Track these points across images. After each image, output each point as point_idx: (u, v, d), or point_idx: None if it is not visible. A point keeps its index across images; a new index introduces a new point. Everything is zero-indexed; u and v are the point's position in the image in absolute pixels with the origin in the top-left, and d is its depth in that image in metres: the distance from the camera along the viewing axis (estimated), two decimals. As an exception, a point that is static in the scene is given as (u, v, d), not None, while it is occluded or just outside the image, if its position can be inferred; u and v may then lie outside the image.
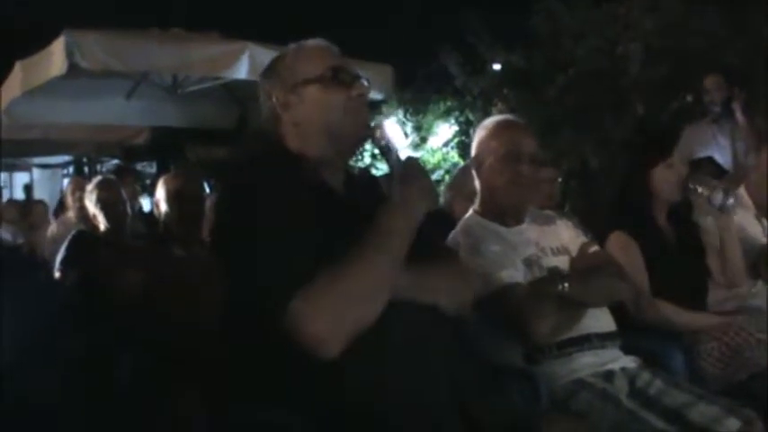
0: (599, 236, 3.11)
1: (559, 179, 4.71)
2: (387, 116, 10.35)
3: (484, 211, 2.85)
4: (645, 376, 2.62)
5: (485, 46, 9.67)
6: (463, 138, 10.31)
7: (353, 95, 2.06)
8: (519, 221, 2.82)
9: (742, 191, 3.73)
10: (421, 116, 11.19)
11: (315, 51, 2.12)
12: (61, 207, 7.33)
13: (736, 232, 3.36)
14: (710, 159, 5.16)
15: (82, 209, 5.01)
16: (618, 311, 2.81)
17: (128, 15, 8.92)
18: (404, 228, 1.87)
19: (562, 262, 2.78)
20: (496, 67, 9.90)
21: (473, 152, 2.87)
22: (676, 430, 2.39)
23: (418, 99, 11.16)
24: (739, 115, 6.15)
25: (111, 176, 5.36)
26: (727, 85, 6.29)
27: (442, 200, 4.63)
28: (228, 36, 6.75)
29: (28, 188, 14.02)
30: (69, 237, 4.59)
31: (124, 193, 4.64)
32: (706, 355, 3.08)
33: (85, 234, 4.59)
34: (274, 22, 9.58)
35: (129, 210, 4.64)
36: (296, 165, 2.01)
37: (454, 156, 10.74)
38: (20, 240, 7.34)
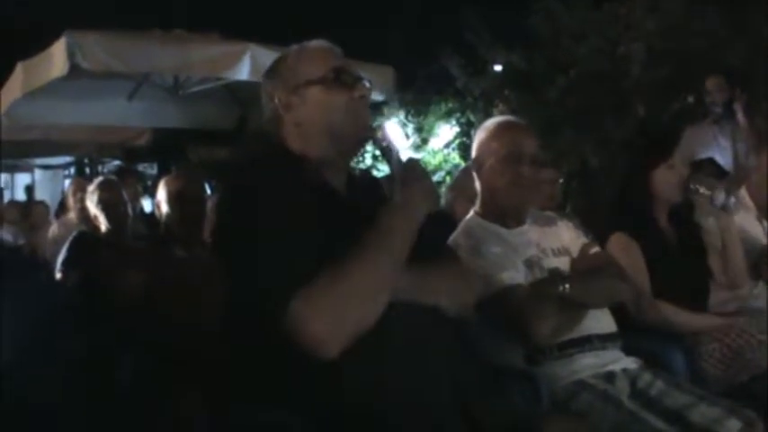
0: (600, 237, 3.11)
1: (560, 180, 4.71)
2: (388, 117, 10.36)
3: (485, 213, 2.84)
4: (646, 377, 2.62)
5: (485, 46, 9.67)
6: (464, 139, 10.33)
7: (355, 97, 2.06)
8: (520, 223, 2.82)
9: (743, 192, 3.73)
10: (422, 117, 11.21)
11: (317, 52, 2.12)
12: (62, 208, 7.32)
13: (738, 233, 3.36)
14: (711, 160, 5.15)
15: (83, 210, 5.01)
16: (619, 312, 2.81)
17: (128, 16, 8.93)
18: (405, 229, 1.87)
19: (563, 263, 2.78)
20: (497, 68, 9.90)
21: (473, 153, 2.87)
22: (677, 431, 2.39)
23: (419, 100, 11.17)
24: (740, 116, 6.15)
25: (113, 177, 5.36)
26: (728, 87, 6.29)
27: (443, 201, 4.63)
28: (229, 37, 6.75)
29: (29, 189, 14.03)
30: (70, 238, 4.60)
31: (125, 194, 4.64)
32: (707, 357, 3.08)
33: (86, 235, 4.59)
34: (275, 23, 9.59)
35: (130, 211, 4.64)
36: (297, 165, 2.01)
37: (455, 157, 10.75)
38: (21, 241, 7.36)
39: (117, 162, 11.07)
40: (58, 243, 5.40)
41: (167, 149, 10.79)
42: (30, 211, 8.60)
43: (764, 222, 3.69)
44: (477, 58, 9.91)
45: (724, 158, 5.90)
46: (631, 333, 2.82)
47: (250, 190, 1.89)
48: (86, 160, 12.08)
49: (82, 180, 6.93)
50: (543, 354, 2.59)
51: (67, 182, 10.84)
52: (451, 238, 2.79)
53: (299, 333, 1.70)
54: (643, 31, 8.29)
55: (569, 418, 2.42)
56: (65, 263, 4.38)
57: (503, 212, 2.80)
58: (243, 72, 6.26)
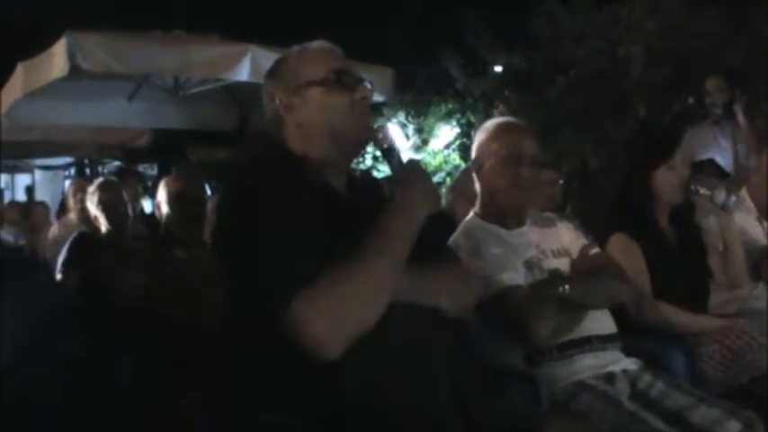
0: (600, 237, 3.11)
1: (560, 181, 4.71)
2: (388, 118, 10.36)
3: (484, 214, 2.84)
4: (646, 378, 2.62)
5: (485, 48, 9.67)
6: (464, 140, 10.32)
7: (356, 99, 2.06)
8: (519, 224, 2.82)
9: (743, 193, 3.73)
10: (422, 118, 11.19)
11: (318, 53, 2.12)
12: (63, 209, 7.32)
13: (739, 232, 3.36)
14: (712, 161, 5.15)
15: (83, 210, 5.01)
16: (619, 313, 2.81)
17: (128, 16, 8.94)
18: (406, 230, 1.87)
19: (563, 264, 2.78)
20: (497, 69, 9.90)
21: (473, 154, 2.87)
22: (677, 432, 2.39)
23: (419, 101, 11.16)
24: (740, 117, 6.15)
25: (113, 178, 5.36)
26: (728, 88, 6.29)
27: (443, 202, 4.63)
28: (230, 38, 6.76)
29: (30, 190, 14.03)
30: (70, 238, 4.60)
31: (125, 195, 4.64)
32: (707, 358, 3.07)
33: (87, 236, 4.60)
34: (275, 24, 9.59)
35: (130, 211, 4.64)
36: (299, 166, 2.01)
37: (455, 158, 10.75)
38: (21, 242, 7.36)
39: (117, 163, 11.06)
40: (58, 244, 5.41)
41: (167, 150, 10.79)
42: (30, 211, 8.60)
43: (765, 223, 3.69)
44: (477, 59, 9.91)
45: (724, 159, 5.90)
46: (631, 334, 2.82)
47: (251, 190, 1.89)
48: (86, 161, 12.08)
49: (82, 181, 6.92)
50: (543, 355, 2.59)
51: (68, 182, 10.85)
52: (451, 239, 2.79)
53: (300, 334, 1.70)
54: (643, 33, 8.29)
55: (569, 420, 2.42)
56: (65, 263, 4.38)
57: (502, 213, 2.80)
58: (243, 73, 6.26)
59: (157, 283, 3.56)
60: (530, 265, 2.71)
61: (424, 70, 10.98)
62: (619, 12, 8.60)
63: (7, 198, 12.22)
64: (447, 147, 11.05)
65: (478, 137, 2.87)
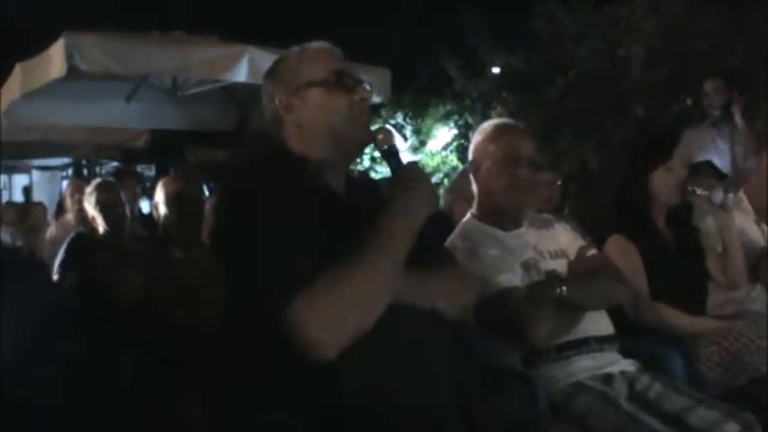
0: (598, 238, 3.11)
1: (558, 182, 4.70)
2: (386, 119, 10.36)
3: (482, 215, 2.84)
4: (644, 380, 2.62)
5: (485, 48, 9.68)
6: (462, 141, 10.32)
7: (356, 100, 2.06)
8: (517, 225, 2.82)
9: (741, 195, 3.73)
10: (420, 119, 11.20)
11: (318, 54, 2.12)
12: (60, 209, 7.32)
13: (738, 235, 3.36)
14: (709, 163, 5.14)
15: (81, 211, 5.01)
16: (617, 315, 2.81)
17: (128, 17, 8.94)
18: (405, 232, 1.88)
19: (560, 265, 2.78)
20: (495, 70, 9.91)
21: (470, 156, 2.87)
22: (675, 434, 2.40)
23: (417, 102, 11.17)
24: (738, 119, 6.16)
25: (111, 179, 5.36)
26: (726, 89, 6.29)
27: (441, 203, 4.63)
28: (228, 39, 6.76)
29: (27, 190, 14.01)
30: (68, 239, 4.60)
31: (123, 196, 4.64)
32: (705, 360, 3.08)
33: (84, 236, 4.59)
34: (274, 24, 9.59)
35: (127, 212, 4.64)
36: (298, 167, 2.01)
37: (453, 159, 10.76)
38: (19, 242, 7.35)
39: (115, 163, 11.06)
40: (55, 244, 5.40)
41: (165, 151, 10.79)
42: (27, 212, 8.59)
43: (763, 226, 3.70)
44: (475, 60, 9.91)
45: (722, 161, 5.90)
46: (629, 335, 2.82)
47: (250, 191, 1.89)
48: (84, 162, 12.07)
49: (80, 181, 6.93)
50: (540, 356, 2.60)
51: (65, 183, 10.84)
52: (448, 240, 2.79)
53: (299, 334, 1.70)
54: (643, 33, 8.30)
55: (568, 425, 2.42)
56: (63, 264, 4.38)
57: (500, 215, 2.81)
58: (241, 74, 6.27)
59: (156, 284, 3.56)
60: (527, 266, 2.71)
61: (423, 70, 10.98)
62: (619, 12, 8.61)
63: (5, 198, 12.21)
64: (445, 148, 11.06)
65: (476, 138, 2.87)
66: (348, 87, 2.06)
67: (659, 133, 7.22)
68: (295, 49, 2.15)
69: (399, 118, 11.17)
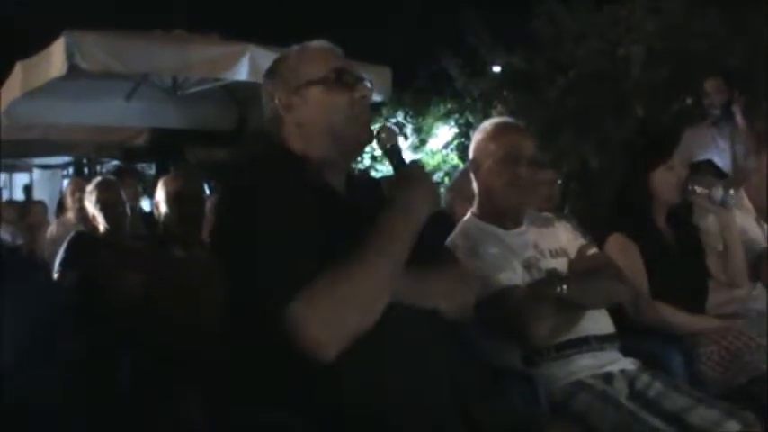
0: (598, 238, 3.11)
1: (559, 181, 4.71)
2: (387, 118, 10.36)
3: (482, 214, 2.85)
4: (644, 378, 2.62)
5: (485, 47, 9.68)
6: (463, 140, 10.32)
7: (356, 97, 2.06)
8: (517, 224, 2.82)
9: (742, 194, 3.73)
10: (420, 118, 11.20)
11: (318, 53, 2.12)
12: (61, 208, 7.32)
13: (739, 233, 3.36)
14: (710, 162, 5.14)
15: (81, 210, 5.01)
16: (617, 313, 2.81)
17: (128, 16, 8.93)
18: (406, 231, 1.87)
19: (561, 264, 2.78)
20: (496, 69, 9.91)
21: (471, 155, 2.87)
22: (676, 432, 2.39)
23: (418, 101, 11.17)
24: (739, 118, 6.15)
25: (111, 177, 5.36)
26: (727, 89, 6.29)
27: (442, 202, 4.62)
28: (229, 38, 6.75)
29: (28, 189, 14.01)
30: (68, 238, 4.60)
31: (124, 195, 4.63)
32: (705, 359, 3.08)
33: (85, 235, 4.59)
34: (275, 24, 9.59)
35: (128, 211, 4.63)
36: (298, 166, 2.01)
37: (454, 158, 10.76)
38: (19, 241, 7.34)
39: (115, 162, 11.06)
40: (56, 243, 5.40)
41: (165, 150, 10.79)
42: (28, 210, 8.58)
43: (764, 225, 3.69)
44: (476, 59, 9.91)
45: (722, 160, 5.90)
46: (630, 334, 2.82)
47: (250, 190, 1.89)
48: (85, 160, 12.08)
49: (80, 180, 6.93)
50: (541, 355, 2.60)
51: (66, 182, 10.84)
52: (449, 239, 2.79)
53: (298, 334, 1.70)
54: (643, 33, 8.30)
55: (568, 424, 2.42)
56: (63, 263, 4.37)
57: (500, 214, 2.81)
58: (241, 73, 6.27)
59: (156, 283, 3.56)
60: (528, 265, 2.71)
61: (423, 70, 10.98)
62: (619, 12, 8.61)
63: (5, 197, 12.20)
64: (445, 147, 11.06)
65: (476, 137, 2.87)
66: (348, 85, 2.06)
67: (659, 133, 7.23)
68: (295, 48, 2.15)
69: (400, 117, 11.17)
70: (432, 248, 2.05)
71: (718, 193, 3.24)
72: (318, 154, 2.04)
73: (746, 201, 3.72)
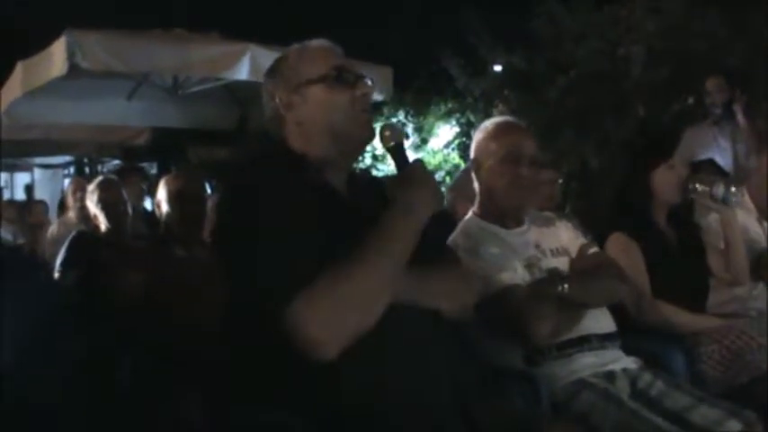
0: (599, 237, 3.11)
1: (560, 181, 4.70)
2: (388, 118, 10.37)
3: (483, 213, 2.85)
4: (646, 377, 2.62)
5: (486, 47, 9.68)
6: (464, 139, 10.34)
7: (357, 95, 2.05)
8: (519, 223, 2.82)
9: (744, 193, 3.72)
10: (422, 118, 11.20)
11: (318, 51, 2.12)
12: (62, 207, 7.32)
13: (741, 231, 3.36)
14: (711, 161, 5.14)
15: (83, 209, 5.02)
16: (618, 313, 2.81)
17: (128, 16, 8.92)
18: (408, 231, 1.87)
19: (562, 263, 2.78)
20: (497, 68, 9.91)
21: (472, 154, 2.87)
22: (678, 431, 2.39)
23: (419, 100, 11.17)
24: (740, 117, 6.14)
25: (113, 176, 5.36)
26: (728, 88, 6.28)
27: (444, 201, 4.62)
28: (229, 37, 6.75)
29: (29, 188, 14.00)
30: (70, 237, 4.60)
31: (125, 194, 4.64)
32: (707, 358, 3.07)
33: (86, 234, 4.59)
34: (275, 23, 9.59)
35: (129, 210, 4.63)
36: (299, 165, 2.01)
37: (455, 157, 10.76)
38: (20, 240, 7.34)
39: (116, 162, 11.06)
40: (57, 242, 5.40)
41: (166, 149, 10.78)
42: (29, 210, 8.59)
43: (765, 224, 3.69)
44: (477, 58, 9.91)
45: (724, 159, 5.89)
46: (631, 334, 2.82)
47: (251, 190, 1.88)
48: (86, 160, 12.08)
49: (81, 179, 6.92)
50: (542, 354, 2.59)
51: (67, 181, 10.84)
52: (450, 238, 2.79)
53: (299, 334, 1.70)
54: (643, 33, 8.30)
55: (569, 424, 2.42)
56: (64, 262, 4.37)
57: (501, 213, 2.81)
58: (242, 72, 6.27)
59: (157, 282, 3.56)
60: (529, 264, 2.71)
61: (424, 70, 10.98)
62: (619, 12, 8.61)
63: (6, 197, 12.21)
64: (447, 146, 11.06)
65: (477, 136, 2.87)
66: (349, 83, 2.05)
67: (660, 132, 7.23)
68: (295, 46, 2.15)
69: (401, 116, 11.17)
70: (433, 248, 2.05)
71: (720, 190, 3.23)
72: (319, 153, 2.04)
73: (748, 200, 3.72)
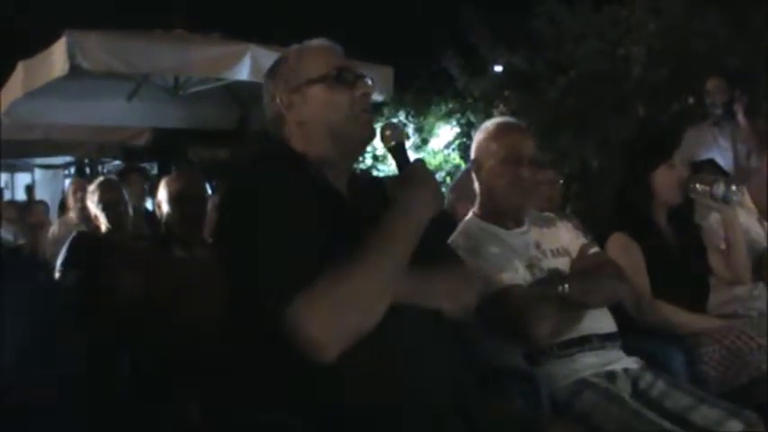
0: (600, 237, 3.11)
1: (560, 181, 4.70)
2: (388, 118, 10.38)
3: (483, 214, 2.85)
4: (647, 378, 2.62)
5: (486, 47, 9.68)
6: (464, 139, 10.35)
7: (357, 95, 2.05)
8: (519, 224, 2.82)
9: (744, 193, 3.72)
10: (422, 118, 11.20)
11: (318, 51, 2.12)
12: (63, 208, 7.32)
13: (741, 227, 3.35)
14: (711, 162, 5.14)
15: (83, 209, 5.02)
16: (618, 313, 2.81)
17: (128, 16, 8.93)
18: (408, 232, 1.87)
19: (562, 263, 2.78)
20: (498, 68, 9.91)
21: (472, 155, 2.87)
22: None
23: (419, 101, 11.17)
24: (740, 117, 6.14)
25: (113, 177, 5.36)
26: (728, 88, 6.28)
27: (445, 202, 4.62)
28: (230, 37, 6.75)
29: (29, 189, 13.99)
30: (70, 238, 4.60)
31: (125, 194, 4.64)
32: (707, 359, 3.07)
33: (87, 235, 4.59)
34: (275, 23, 9.59)
35: (130, 210, 4.64)
36: (300, 165, 2.00)
37: (455, 158, 10.78)
38: (20, 241, 7.34)
39: (117, 162, 11.07)
40: (58, 243, 5.40)
41: (167, 150, 10.78)
42: (30, 210, 8.59)
43: (765, 224, 3.69)
44: (477, 58, 9.91)
45: (724, 160, 5.88)
46: (631, 334, 2.82)
47: (251, 190, 1.88)
48: (86, 160, 12.07)
49: (82, 180, 6.93)
50: (543, 354, 2.59)
51: (68, 182, 10.84)
52: (450, 238, 2.78)
53: (299, 335, 1.70)
54: (643, 33, 8.30)
55: (570, 424, 2.42)
56: (64, 263, 4.37)
57: (502, 213, 2.81)
58: (243, 72, 6.27)
59: (157, 283, 3.55)
60: (529, 264, 2.71)
61: (424, 70, 10.99)
62: (619, 12, 8.61)
63: (7, 197, 12.21)
64: (447, 146, 11.07)
65: (478, 137, 2.87)
66: (349, 82, 2.05)
67: (660, 132, 7.22)
68: (295, 47, 2.15)
69: (401, 116, 11.17)
70: (434, 248, 2.05)
71: (720, 189, 3.23)
72: (320, 153, 2.04)
73: (748, 200, 3.72)
